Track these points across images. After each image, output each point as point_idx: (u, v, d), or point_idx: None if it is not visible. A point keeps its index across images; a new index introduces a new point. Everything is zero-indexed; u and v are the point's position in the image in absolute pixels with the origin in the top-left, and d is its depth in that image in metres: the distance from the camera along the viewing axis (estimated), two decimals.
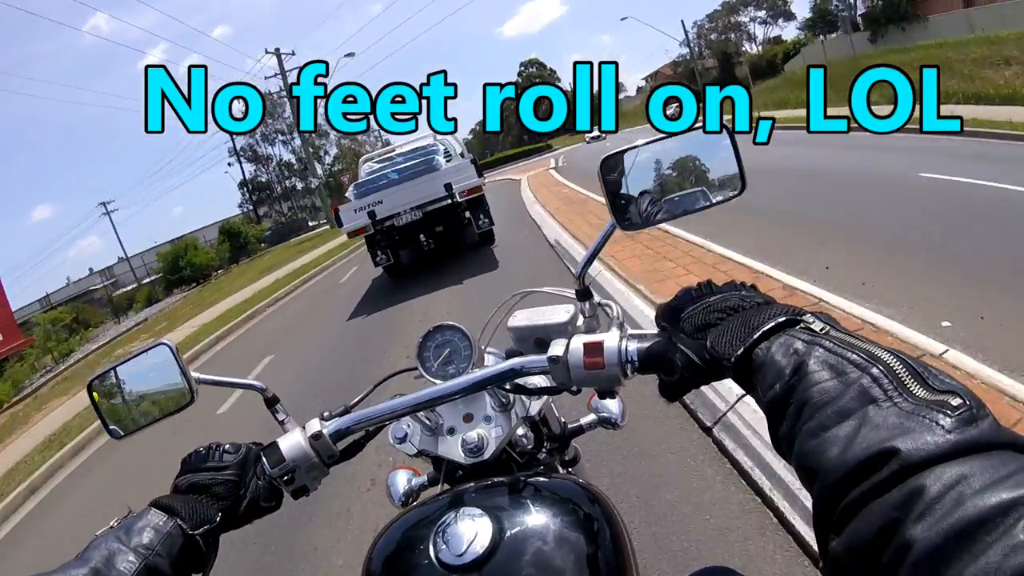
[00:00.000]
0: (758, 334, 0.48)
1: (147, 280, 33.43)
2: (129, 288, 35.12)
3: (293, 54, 30.81)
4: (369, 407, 0.76)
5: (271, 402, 0.79)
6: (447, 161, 8.79)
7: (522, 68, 71.73)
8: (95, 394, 0.81)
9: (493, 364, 0.85)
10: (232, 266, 32.38)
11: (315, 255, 18.12)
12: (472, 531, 0.60)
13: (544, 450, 0.96)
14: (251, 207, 49.10)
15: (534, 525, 0.63)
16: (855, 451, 0.35)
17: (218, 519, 0.67)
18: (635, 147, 0.69)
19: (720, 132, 0.68)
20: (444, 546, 0.60)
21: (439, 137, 9.93)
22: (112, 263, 43.30)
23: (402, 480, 1.01)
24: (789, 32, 51.06)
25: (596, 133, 35.88)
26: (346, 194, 8.47)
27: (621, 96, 72.52)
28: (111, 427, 0.81)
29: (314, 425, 0.73)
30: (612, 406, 1.05)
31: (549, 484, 0.74)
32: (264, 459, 0.71)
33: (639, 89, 73.03)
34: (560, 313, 0.81)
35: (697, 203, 0.70)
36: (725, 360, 0.49)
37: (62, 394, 10.37)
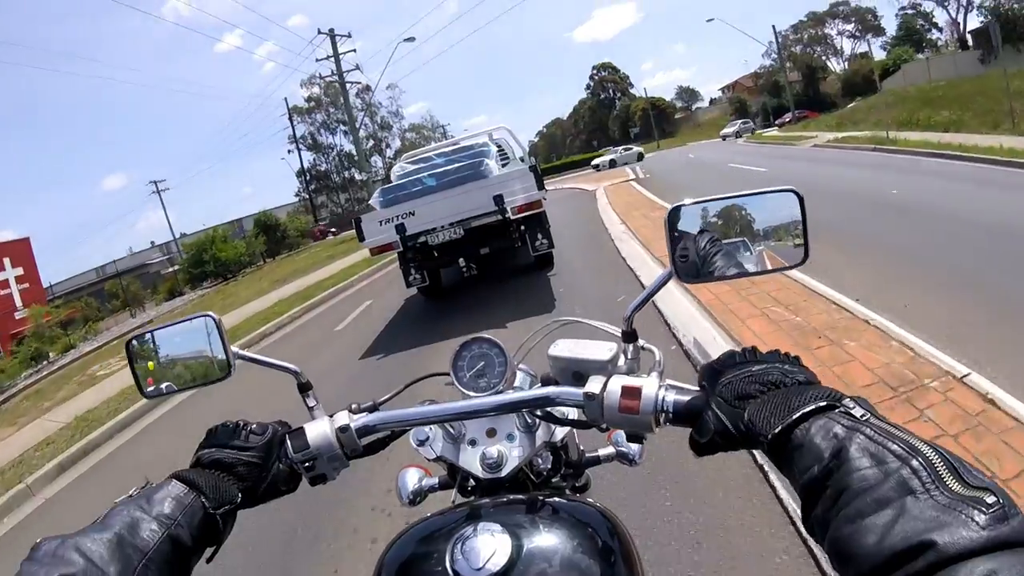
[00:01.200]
0: (797, 415, 0.48)
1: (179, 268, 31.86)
2: (175, 269, 33.99)
3: (349, 36, 27.66)
4: (398, 407, 0.77)
5: (304, 387, 0.79)
6: (502, 165, 6.95)
7: (594, 71, 70.59)
8: (134, 354, 0.84)
9: (523, 384, 0.93)
10: (267, 262, 30.09)
11: (338, 267, 15.08)
12: (491, 547, 0.60)
13: (559, 475, 0.96)
14: (307, 196, 49.27)
15: (552, 547, 0.63)
16: (892, 540, 0.37)
17: (239, 499, 0.66)
18: (703, 201, 0.69)
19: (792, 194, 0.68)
20: (461, 558, 0.59)
21: (496, 135, 8.15)
22: (174, 238, 43.66)
23: (412, 479, 1.00)
24: (874, 49, 47.97)
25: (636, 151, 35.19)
26: (369, 201, 6.85)
27: (694, 107, 69.93)
28: (144, 388, 0.84)
29: (342, 417, 0.74)
30: (632, 443, 1.00)
31: (568, 507, 0.73)
32: (289, 442, 0.72)
33: (712, 101, 70.23)
34: (603, 350, 0.78)
35: (757, 266, 0.70)
36: (762, 436, 0.50)
37: (10, 423, 8.57)
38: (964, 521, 0.35)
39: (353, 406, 0.78)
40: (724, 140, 35.87)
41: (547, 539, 0.64)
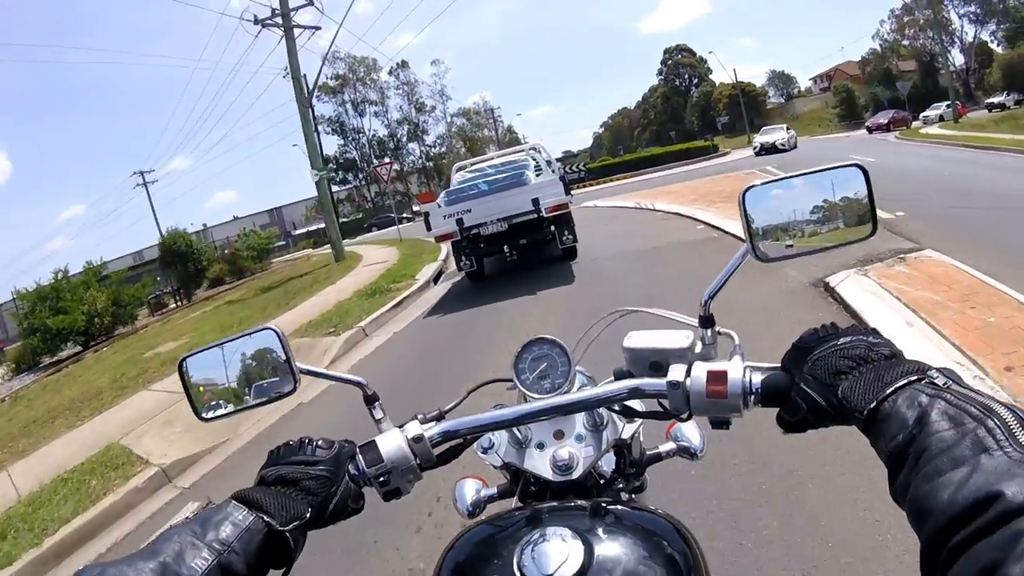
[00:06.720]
0: (891, 389, 0.60)
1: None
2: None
3: None
4: (467, 414, 0.90)
5: (370, 399, 0.94)
6: (537, 176, 10.81)
7: (667, 55, 72.06)
8: (187, 374, 0.96)
9: (580, 382, 1.09)
10: (180, 304, 24.99)
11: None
12: (563, 552, 0.68)
13: (621, 475, 1.10)
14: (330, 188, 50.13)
15: (624, 557, 0.72)
16: (964, 494, 0.46)
17: (308, 514, 0.75)
18: (775, 180, 0.85)
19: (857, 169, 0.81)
20: (530, 562, 0.68)
21: (533, 152, 12.14)
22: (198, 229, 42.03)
23: (470, 490, 1.18)
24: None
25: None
26: (436, 201, 10.76)
27: (783, 100, 70.74)
28: (199, 410, 0.97)
29: (414, 428, 0.87)
30: (693, 436, 1.19)
31: (638, 516, 0.84)
32: (360, 457, 0.84)
33: (794, 94, 71.42)
34: (680, 338, 0.87)
35: (828, 242, 0.85)
36: (858, 412, 0.62)
37: None
38: None
39: (419, 416, 0.89)
40: (759, 153, 32.14)
41: (620, 548, 0.73)
